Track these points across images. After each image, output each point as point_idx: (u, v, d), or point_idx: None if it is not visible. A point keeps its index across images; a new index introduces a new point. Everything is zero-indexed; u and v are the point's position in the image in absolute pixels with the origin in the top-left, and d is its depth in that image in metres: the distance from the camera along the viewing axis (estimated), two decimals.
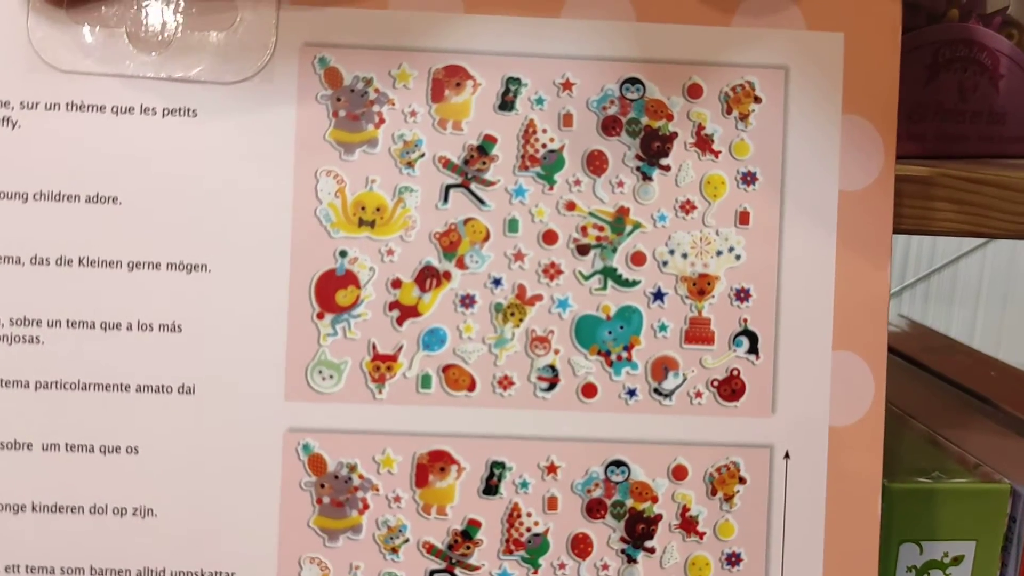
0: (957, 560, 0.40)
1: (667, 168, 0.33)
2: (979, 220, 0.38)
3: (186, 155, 0.32)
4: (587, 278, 0.33)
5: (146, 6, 0.32)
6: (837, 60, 0.34)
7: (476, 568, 0.33)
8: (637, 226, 0.33)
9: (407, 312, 0.33)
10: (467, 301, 0.33)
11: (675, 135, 0.33)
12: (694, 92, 0.33)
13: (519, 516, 0.33)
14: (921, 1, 0.41)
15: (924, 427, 0.45)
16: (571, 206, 0.33)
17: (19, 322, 0.32)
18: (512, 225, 0.33)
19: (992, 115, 0.42)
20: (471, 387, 0.33)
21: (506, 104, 0.33)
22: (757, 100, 0.33)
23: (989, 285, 0.82)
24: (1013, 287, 0.82)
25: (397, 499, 0.33)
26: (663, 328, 0.33)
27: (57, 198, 0.32)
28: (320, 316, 0.33)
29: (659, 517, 0.33)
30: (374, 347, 0.33)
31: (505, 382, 0.33)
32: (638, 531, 0.33)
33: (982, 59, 0.42)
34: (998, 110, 0.41)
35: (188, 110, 0.32)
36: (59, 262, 0.32)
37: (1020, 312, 0.82)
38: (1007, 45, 0.42)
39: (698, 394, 0.33)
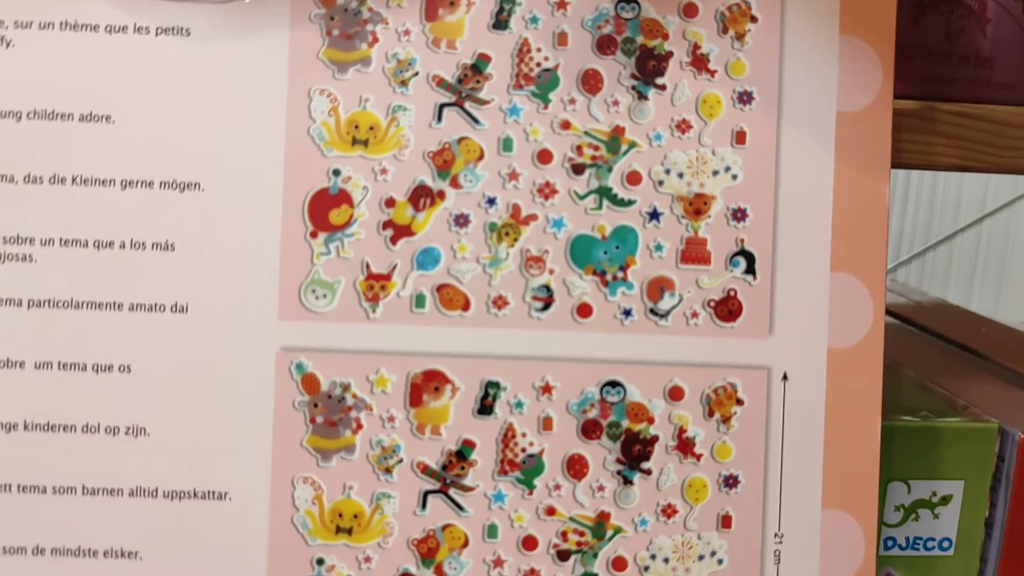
0: (945, 500, 0.38)
1: (663, 87, 0.32)
2: (972, 155, 0.37)
3: (179, 74, 0.32)
4: (582, 197, 0.32)
5: None
6: None
7: (471, 489, 0.32)
8: (632, 145, 0.32)
9: (401, 231, 0.32)
10: (461, 220, 0.32)
11: (670, 54, 0.32)
12: (689, 11, 0.32)
13: (514, 436, 0.32)
14: None
15: (914, 375, 0.44)
16: (566, 125, 0.32)
17: (12, 240, 0.31)
18: (506, 144, 0.32)
19: (979, 60, 0.40)
20: (465, 307, 0.32)
21: (500, 23, 0.32)
22: (753, 19, 0.32)
23: (984, 261, 0.80)
24: (1009, 263, 0.80)
25: (391, 419, 0.32)
26: (659, 248, 0.32)
27: (51, 117, 0.32)
28: (313, 235, 0.32)
29: (655, 438, 0.32)
30: (368, 266, 0.32)
31: (500, 302, 0.32)
32: (634, 452, 0.32)
33: (968, 2, 0.41)
34: (985, 55, 0.40)
35: (181, 29, 0.32)
36: (52, 180, 0.31)
37: (1016, 288, 0.80)
38: None
39: (694, 314, 0.32)
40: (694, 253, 0.32)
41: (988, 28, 0.41)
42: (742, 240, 0.32)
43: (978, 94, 0.41)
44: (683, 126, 0.32)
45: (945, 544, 0.39)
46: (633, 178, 0.32)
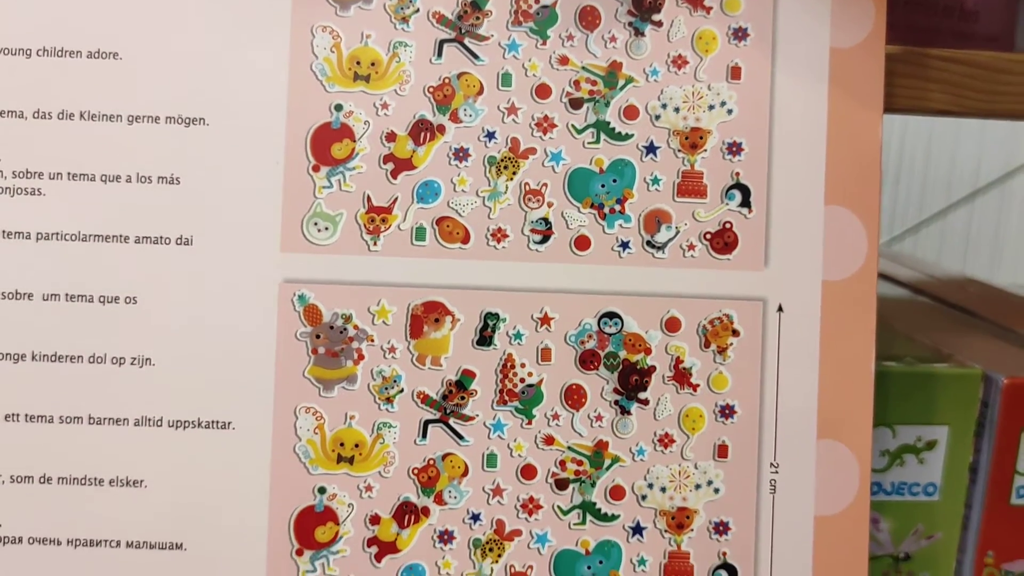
0: (931, 445, 0.38)
1: (659, 24, 0.32)
2: (962, 100, 0.37)
3: (185, 12, 0.32)
4: (580, 132, 0.32)
5: None
6: None
7: (470, 418, 0.32)
8: (630, 80, 0.32)
9: (401, 165, 0.32)
10: (461, 154, 0.32)
11: None
12: None
13: (513, 367, 0.32)
14: None
15: (900, 328, 0.44)
16: (564, 60, 0.32)
17: (21, 174, 0.31)
18: (505, 79, 0.32)
19: (964, 12, 0.40)
20: (465, 239, 0.32)
21: None
22: None
23: (977, 236, 0.80)
24: (1001, 239, 0.80)
25: (392, 349, 0.32)
26: (656, 181, 0.32)
27: (60, 54, 0.32)
28: (316, 169, 0.32)
29: (652, 369, 0.32)
30: (369, 199, 0.32)
31: (499, 234, 0.32)
32: (631, 383, 0.32)
33: None
34: (969, 8, 0.40)
35: None
36: (61, 116, 0.31)
37: (1008, 262, 0.80)
38: None
39: (691, 247, 0.32)
40: (690, 186, 0.32)
41: None
42: (737, 173, 0.32)
43: (963, 46, 0.40)
44: (679, 61, 0.32)
45: (930, 489, 0.38)
46: (630, 112, 0.32)
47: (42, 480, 0.31)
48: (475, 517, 0.32)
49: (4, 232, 0.31)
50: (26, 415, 0.31)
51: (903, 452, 0.38)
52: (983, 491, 0.39)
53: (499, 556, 0.32)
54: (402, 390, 0.32)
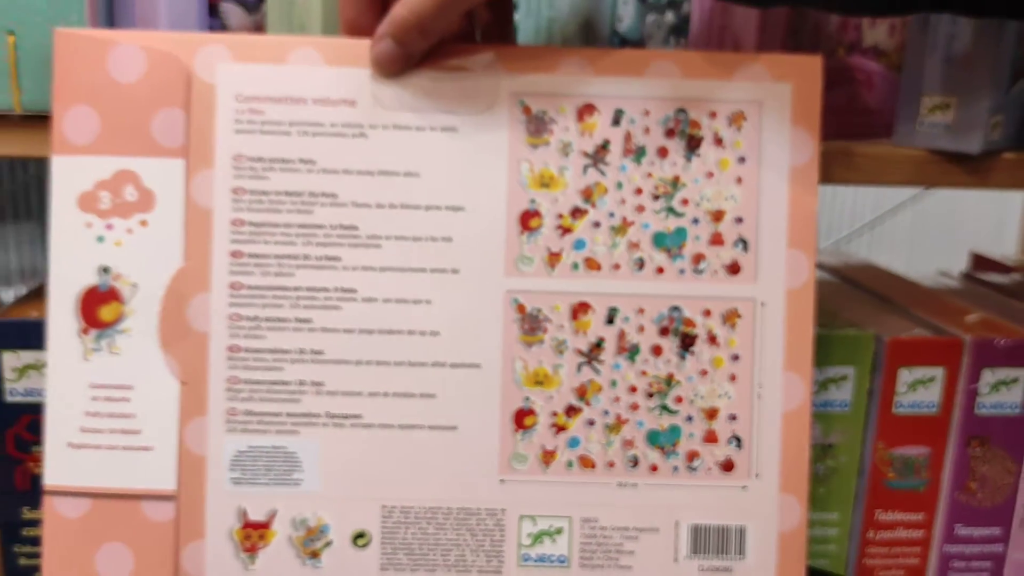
0: (844, 377, 0.66)
1: (700, 155, 0.59)
2: (863, 176, 0.64)
3: (451, 152, 0.59)
4: (658, 212, 0.59)
5: None
6: (786, 109, 0.60)
7: (602, 361, 0.60)
8: (684, 185, 0.59)
9: (566, 230, 0.59)
10: (597, 225, 0.59)
11: (702, 139, 0.59)
12: (712, 115, 0.59)
13: (625, 336, 0.59)
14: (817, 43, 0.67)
15: (831, 308, 0.71)
16: (649, 175, 0.59)
17: (371, 237, 0.59)
18: (619, 185, 0.59)
19: (869, 111, 0.68)
20: (599, 268, 0.59)
21: (615, 121, 0.59)
22: (745, 117, 0.59)
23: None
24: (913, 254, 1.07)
25: (561, 327, 0.59)
26: (698, 238, 0.60)
27: (387, 174, 0.59)
28: (521, 232, 0.59)
29: (697, 336, 0.60)
30: (548, 248, 0.59)
31: (616, 266, 0.59)
32: (686, 343, 0.60)
33: (860, 77, 0.68)
34: (873, 107, 0.67)
35: (451, 127, 0.59)
36: (390, 206, 0.59)
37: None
38: (879, 67, 0.68)
39: (716, 272, 0.60)
40: (716, 240, 0.60)
41: (873, 92, 0.68)
42: (740, 233, 0.60)
43: (869, 135, 0.68)
44: (709, 175, 0.60)
45: (844, 405, 0.66)
46: (684, 202, 0.59)
47: (376, 394, 0.59)
48: (605, 412, 0.60)
49: (363, 267, 0.59)
50: (366, 360, 0.59)
51: (827, 383, 0.66)
52: (876, 405, 0.67)
53: (618, 433, 0.60)
54: (568, 347, 0.59)
